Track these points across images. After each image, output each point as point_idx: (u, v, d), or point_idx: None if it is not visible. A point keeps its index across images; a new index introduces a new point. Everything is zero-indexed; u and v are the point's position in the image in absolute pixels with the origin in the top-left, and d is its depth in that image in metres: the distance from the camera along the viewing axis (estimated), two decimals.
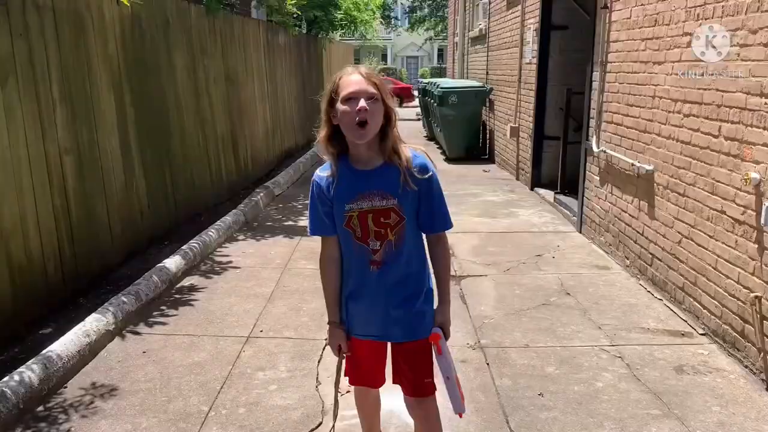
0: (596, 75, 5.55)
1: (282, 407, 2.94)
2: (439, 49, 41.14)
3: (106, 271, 4.50)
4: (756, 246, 3.23)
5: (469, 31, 14.06)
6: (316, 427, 2.77)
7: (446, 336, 2.10)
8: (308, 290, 4.43)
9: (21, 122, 3.55)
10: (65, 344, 3.21)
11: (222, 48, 7.13)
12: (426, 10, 30.17)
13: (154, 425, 2.78)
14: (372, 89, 1.89)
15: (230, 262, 5.09)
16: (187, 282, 4.59)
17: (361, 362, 2.17)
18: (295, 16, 9.80)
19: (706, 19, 3.72)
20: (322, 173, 2.03)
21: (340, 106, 1.89)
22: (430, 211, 2.02)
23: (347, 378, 2.21)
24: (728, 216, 3.48)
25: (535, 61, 7.82)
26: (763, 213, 3.12)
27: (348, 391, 2.76)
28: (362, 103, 1.86)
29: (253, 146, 8.28)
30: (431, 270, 2.11)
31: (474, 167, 9.97)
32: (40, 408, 2.90)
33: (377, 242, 2.00)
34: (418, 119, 17.24)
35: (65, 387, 3.09)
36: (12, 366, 3.06)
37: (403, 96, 28.67)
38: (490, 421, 2.84)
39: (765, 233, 3.14)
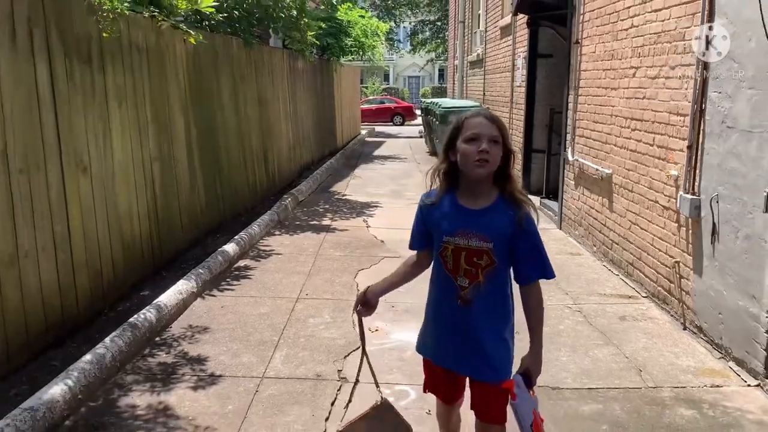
0: (571, 97, 6.74)
1: (330, 338, 4.08)
2: (440, 69, 42.56)
3: (177, 254, 5.66)
4: (676, 225, 4.38)
5: (467, 56, 15.31)
6: (355, 350, 3.91)
7: (531, 383, 2.12)
8: (338, 269, 5.58)
9: (128, 135, 4.73)
10: (167, 297, 4.36)
11: (255, 75, 8.35)
12: (427, 33, 31.57)
13: (241, 348, 3.92)
14: (495, 132, 2.03)
15: (272, 250, 6.25)
16: (241, 263, 5.74)
17: (437, 383, 2.31)
18: (311, 44, 11.04)
19: (644, 57, 4.91)
20: (427, 200, 2.19)
21: (462, 145, 2.04)
22: (528, 260, 2.08)
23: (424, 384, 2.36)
24: (660, 204, 4.64)
25: (524, 84, 9.02)
26: (678, 200, 4.28)
27: (376, 329, 3.89)
28: (485, 145, 2.00)
29: (279, 160, 9.48)
30: (513, 317, 2.18)
31: None
32: (157, 338, 4.04)
33: (466, 280, 2.08)
34: (421, 137, 18.46)
35: (170, 327, 4.23)
36: (129, 314, 4.19)
37: (405, 115, 30.02)
38: None
39: (681, 215, 4.29)
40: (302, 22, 9.45)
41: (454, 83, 18.27)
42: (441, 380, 2.27)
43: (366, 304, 2.28)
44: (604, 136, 5.78)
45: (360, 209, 8.39)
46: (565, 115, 6.99)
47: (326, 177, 11.27)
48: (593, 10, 6.07)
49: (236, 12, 7.59)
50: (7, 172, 3.34)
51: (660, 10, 4.64)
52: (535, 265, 2.08)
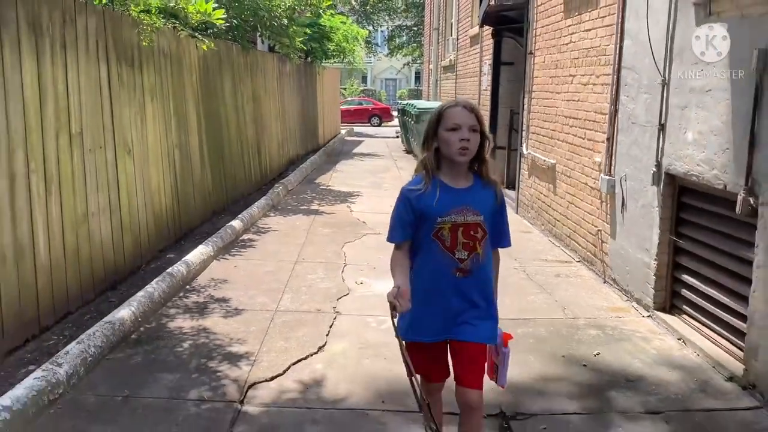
0: (526, 100, 7.90)
1: (325, 288, 5.14)
2: (416, 72, 43.75)
3: (191, 229, 6.67)
4: (599, 201, 5.54)
5: (441, 61, 16.48)
6: (345, 295, 4.96)
7: None
8: (327, 242, 6.64)
9: (158, 125, 5.74)
10: (192, 257, 5.38)
11: (251, 76, 9.37)
12: (404, 38, 32.76)
13: (256, 293, 4.96)
14: (473, 121, 2.24)
15: (270, 227, 7.29)
16: (245, 237, 6.77)
17: (430, 363, 2.44)
18: (298, 48, 12.07)
19: (578, 67, 6.07)
20: (413, 187, 2.33)
21: (444, 133, 2.25)
22: (501, 229, 2.40)
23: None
24: (589, 186, 5.80)
25: (489, 88, 10.17)
26: (600, 181, 5.43)
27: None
28: (466, 133, 2.21)
29: (269, 153, 10.51)
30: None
31: None
32: (188, 286, 5.06)
33: (465, 252, 2.29)
34: (397, 136, 19.57)
35: (197, 279, 5.26)
36: (162, 270, 5.18)
37: (382, 116, 31.18)
38: None
39: (602, 192, 5.44)
40: (291, 30, 10.50)
41: (429, 86, 19.44)
42: (434, 358, 2.41)
43: (401, 296, 2.21)
44: (550, 132, 6.93)
45: (343, 197, 9.46)
46: (521, 116, 8.15)
47: (311, 170, 12.31)
48: (543, 27, 7.23)
49: (235, 21, 8.61)
50: (82, 151, 4.35)
51: (590, 30, 5.80)
52: (504, 234, 2.42)
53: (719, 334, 3.96)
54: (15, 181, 3.65)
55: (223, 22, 6.77)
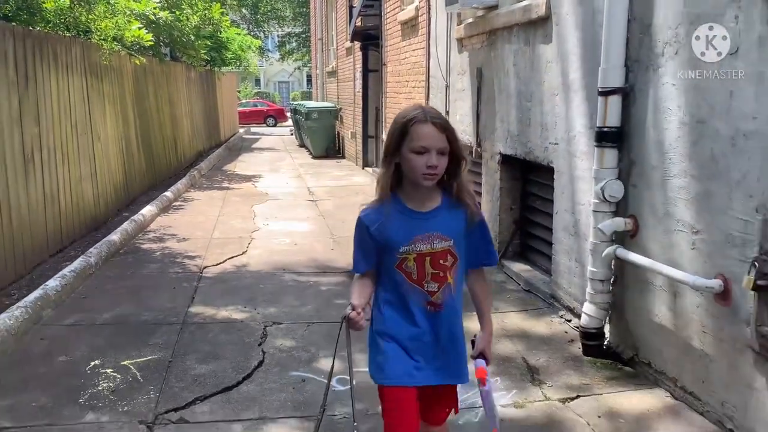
0: (383, 99, 10.68)
1: (242, 227, 7.60)
2: (307, 75, 46.14)
3: (134, 198, 8.89)
4: None
5: (326, 67, 19.11)
6: (257, 230, 7.45)
7: (487, 362, 2.14)
8: (240, 204, 9.08)
9: (113, 121, 7.97)
10: (146, 211, 7.67)
11: (167, 83, 11.57)
12: (294, 44, 35.16)
13: (195, 230, 7.31)
14: (443, 144, 1.95)
15: (193, 198, 9.61)
16: (176, 203, 9.08)
17: (410, 409, 2.08)
18: (202, 58, 14.27)
19: (410, 76, 8.87)
20: (371, 213, 2.06)
21: (410, 155, 1.94)
22: (482, 248, 2.13)
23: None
24: None
25: (361, 90, 12.90)
26: None
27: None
28: (434, 159, 1.94)
29: (183, 146, 12.71)
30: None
31: (331, 160, 14.91)
32: (146, 229, 7.35)
33: (434, 284, 2.04)
34: (291, 134, 22.03)
35: (150, 226, 7.55)
36: (123, 221, 7.43)
37: (277, 116, 33.48)
38: (323, 229, 7.68)
39: None
40: (197, 43, 12.74)
41: (317, 89, 22.05)
42: (414, 402, 2.09)
43: (355, 316, 2.01)
44: None
45: (248, 178, 11.87)
46: (382, 112, 10.92)
47: (217, 161, 14.58)
48: (390, 45, 10.02)
49: (153, 39, 10.79)
50: (76, 137, 6.59)
51: (415, 50, 8.61)
52: (488, 252, 2.15)
53: None
54: (49, 152, 5.89)
55: (152, 43, 9.06)
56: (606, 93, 3.65)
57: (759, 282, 2.68)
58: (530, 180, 5.52)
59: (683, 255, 3.23)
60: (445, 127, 1.98)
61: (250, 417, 3.19)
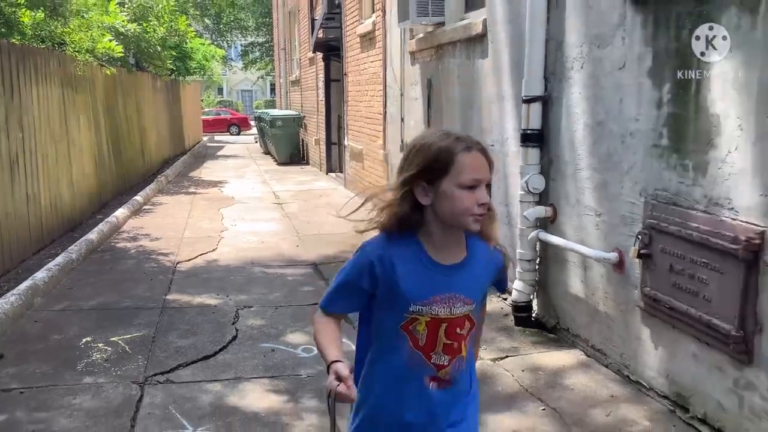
0: (345, 107, 11.27)
1: (211, 227, 8.08)
2: (271, 84, 46.49)
3: (106, 203, 9.28)
4: (382, 167, 8.95)
5: (289, 76, 19.63)
6: (225, 230, 7.95)
7: None
8: (207, 208, 9.54)
9: (86, 128, 8.37)
10: (119, 213, 8.10)
11: (134, 91, 11.96)
12: (257, 53, 35.54)
13: (166, 231, 7.77)
14: (489, 174, 1.56)
15: (162, 202, 10.04)
16: (146, 207, 9.50)
17: None
18: (167, 68, 14.67)
19: (369, 85, 9.49)
20: (381, 249, 1.59)
21: (457, 192, 1.50)
22: (501, 283, 1.77)
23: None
24: (378, 159, 9.20)
25: (324, 99, 13.48)
26: (380, 154, 8.83)
27: None
28: (486, 196, 1.53)
29: (150, 153, 13.08)
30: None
31: (296, 167, 15.42)
32: (120, 230, 7.78)
33: (446, 357, 1.60)
34: (256, 142, 22.45)
35: (123, 227, 7.98)
36: (98, 223, 7.84)
37: (241, 125, 33.79)
38: (289, 228, 8.22)
39: (382, 162, 8.85)
40: (163, 54, 13.15)
41: (280, 97, 22.51)
42: None
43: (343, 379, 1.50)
44: (358, 128, 10.32)
45: (214, 184, 12.31)
46: (344, 118, 11.51)
47: (183, 168, 14.96)
48: (351, 56, 10.63)
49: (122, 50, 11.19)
50: (54, 143, 7.00)
51: (373, 62, 9.23)
52: (499, 281, 1.76)
53: None
54: (31, 157, 6.30)
55: (123, 55, 9.49)
56: (529, 101, 4.31)
57: (642, 251, 3.34)
58: None
59: (590, 234, 3.89)
60: (488, 153, 1.59)
61: (228, 377, 3.73)
